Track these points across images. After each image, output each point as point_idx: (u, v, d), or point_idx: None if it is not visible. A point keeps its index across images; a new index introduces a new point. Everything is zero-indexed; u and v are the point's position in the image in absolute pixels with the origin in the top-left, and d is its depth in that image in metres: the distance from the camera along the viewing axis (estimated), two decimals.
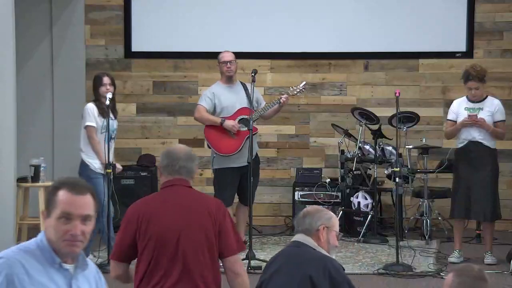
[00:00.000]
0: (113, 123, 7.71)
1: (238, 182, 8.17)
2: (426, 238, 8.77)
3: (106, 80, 7.69)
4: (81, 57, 10.14)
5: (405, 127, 8.89)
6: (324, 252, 4.05)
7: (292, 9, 10.05)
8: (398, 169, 7.75)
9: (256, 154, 8.22)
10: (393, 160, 8.63)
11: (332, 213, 4.16)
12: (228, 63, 8.25)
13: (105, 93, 7.63)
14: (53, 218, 3.03)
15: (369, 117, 9.19)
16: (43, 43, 10.11)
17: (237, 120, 8.16)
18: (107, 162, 7.35)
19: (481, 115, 7.76)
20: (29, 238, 7.91)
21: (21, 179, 7.81)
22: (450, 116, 7.97)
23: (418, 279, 7.29)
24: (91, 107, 7.63)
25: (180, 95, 10.22)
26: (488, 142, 7.80)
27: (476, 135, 7.78)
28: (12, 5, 7.61)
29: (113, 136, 7.70)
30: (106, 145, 7.49)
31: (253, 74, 8.04)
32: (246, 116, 8.12)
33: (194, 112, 8.34)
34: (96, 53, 10.22)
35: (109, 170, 7.29)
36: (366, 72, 10.14)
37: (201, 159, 9.33)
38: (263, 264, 6.54)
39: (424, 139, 9.17)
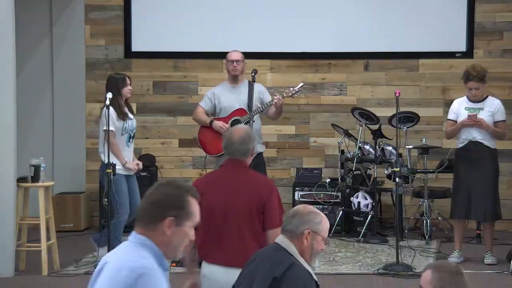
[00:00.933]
0: (133, 122, 7.80)
1: None
2: (426, 238, 8.77)
3: (128, 81, 7.73)
4: (81, 57, 10.14)
5: (405, 127, 8.89)
6: (301, 261, 3.83)
7: (292, 9, 10.03)
8: (398, 169, 7.76)
9: (259, 154, 7.91)
10: (393, 160, 8.62)
11: (323, 217, 3.91)
12: (235, 62, 8.15)
13: (127, 94, 7.71)
14: (187, 227, 3.02)
15: (369, 117, 9.18)
16: (43, 43, 10.12)
17: (230, 121, 8.10)
18: (106, 162, 7.34)
19: (482, 115, 7.75)
20: (29, 238, 8.00)
21: (21, 179, 7.79)
22: (451, 116, 7.97)
23: (418, 279, 7.21)
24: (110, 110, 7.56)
25: (180, 95, 10.22)
26: (488, 142, 7.80)
27: (476, 135, 7.78)
28: (12, 5, 7.62)
29: (132, 135, 7.77)
30: (127, 146, 7.69)
31: (253, 74, 8.02)
32: (239, 117, 8.07)
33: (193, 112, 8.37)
34: (96, 53, 10.22)
35: (109, 170, 7.27)
36: (366, 72, 10.13)
37: (201, 159, 9.33)
38: None
39: (424, 139, 9.16)
